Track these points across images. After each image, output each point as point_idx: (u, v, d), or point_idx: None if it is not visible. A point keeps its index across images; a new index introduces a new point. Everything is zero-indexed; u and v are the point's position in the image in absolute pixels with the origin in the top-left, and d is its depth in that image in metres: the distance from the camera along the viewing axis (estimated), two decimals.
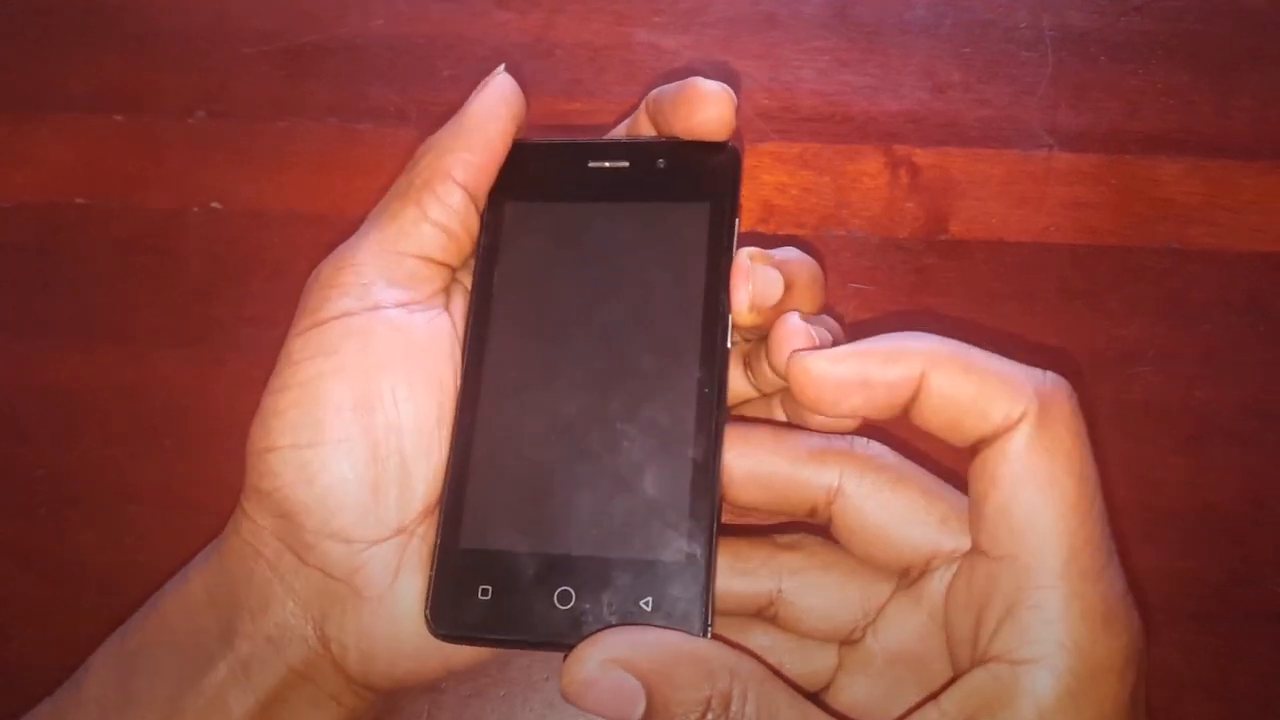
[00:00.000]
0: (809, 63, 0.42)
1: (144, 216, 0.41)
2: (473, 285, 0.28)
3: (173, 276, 0.40)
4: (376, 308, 0.26)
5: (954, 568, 0.24)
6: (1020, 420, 0.22)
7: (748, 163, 0.40)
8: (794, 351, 0.24)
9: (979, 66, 0.42)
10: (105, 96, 0.43)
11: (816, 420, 0.26)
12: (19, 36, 0.44)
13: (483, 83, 0.28)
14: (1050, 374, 0.23)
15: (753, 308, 0.25)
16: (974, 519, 0.23)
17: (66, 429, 0.38)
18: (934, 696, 0.23)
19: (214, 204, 0.41)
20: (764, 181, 0.40)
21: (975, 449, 0.24)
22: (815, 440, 0.25)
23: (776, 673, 0.23)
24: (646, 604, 0.24)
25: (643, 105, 0.29)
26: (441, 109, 0.29)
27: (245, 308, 0.39)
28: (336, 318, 0.26)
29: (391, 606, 0.25)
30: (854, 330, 0.38)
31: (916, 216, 0.40)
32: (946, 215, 0.39)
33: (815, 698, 0.25)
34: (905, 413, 0.24)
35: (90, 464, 0.38)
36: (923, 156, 0.40)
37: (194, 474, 0.37)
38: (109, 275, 0.40)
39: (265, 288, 0.39)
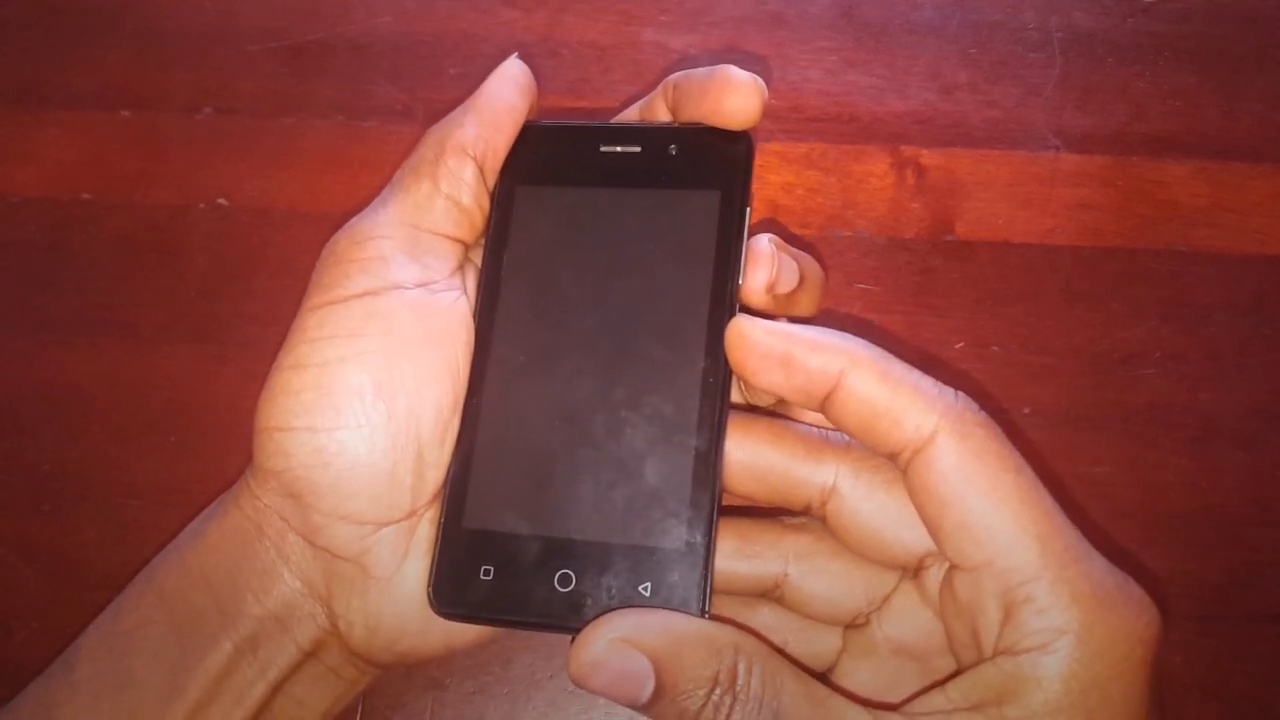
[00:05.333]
0: (815, 63, 0.42)
1: (149, 213, 0.41)
2: (481, 267, 0.28)
3: (177, 273, 0.40)
4: (397, 287, 0.26)
5: (946, 565, 0.24)
6: (934, 435, 0.23)
7: (755, 162, 0.40)
8: (740, 314, 0.25)
9: (986, 67, 0.42)
10: (111, 93, 0.43)
11: (811, 416, 0.26)
12: (25, 33, 0.44)
13: (496, 69, 0.28)
14: (961, 393, 0.24)
15: (771, 289, 0.26)
16: (937, 540, 0.24)
17: (70, 425, 0.38)
18: (940, 684, 0.23)
19: (219, 201, 0.41)
20: (770, 181, 0.40)
21: (895, 461, 0.24)
22: (813, 436, 0.26)
23: (780, 651, 0.24)
24: (645, 589, 0.24)
25: (659, 89, 0.29)
26: (447, 106, 0.29)
27: (249, 305, 0.39)
28: (357, 296, 0.26)
29: (399, 585, 0.26)
30: (858, 331, 0.39)
31: (922, 217, 0.40)
32: (952, 216, 0.39)
33: (821, 677, 0.25)
34: (824, 408, 0.25)
35: (94, 460, 0.38)
36: (929, 157, 0.40)
37: (197, 470, 0.37)
38: (114, 272, 0.40)
39: (270, 285, 0.39)
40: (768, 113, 0.41)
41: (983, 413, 0.24)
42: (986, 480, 0.23)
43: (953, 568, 0.24)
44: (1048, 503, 0.23)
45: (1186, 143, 0.40)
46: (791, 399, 0.25)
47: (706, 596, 0.24)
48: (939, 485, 0.23)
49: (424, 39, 0.43)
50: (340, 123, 0.42)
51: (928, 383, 0.24)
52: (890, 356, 0.24)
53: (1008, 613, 0.22)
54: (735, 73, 0.27)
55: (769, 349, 0.24)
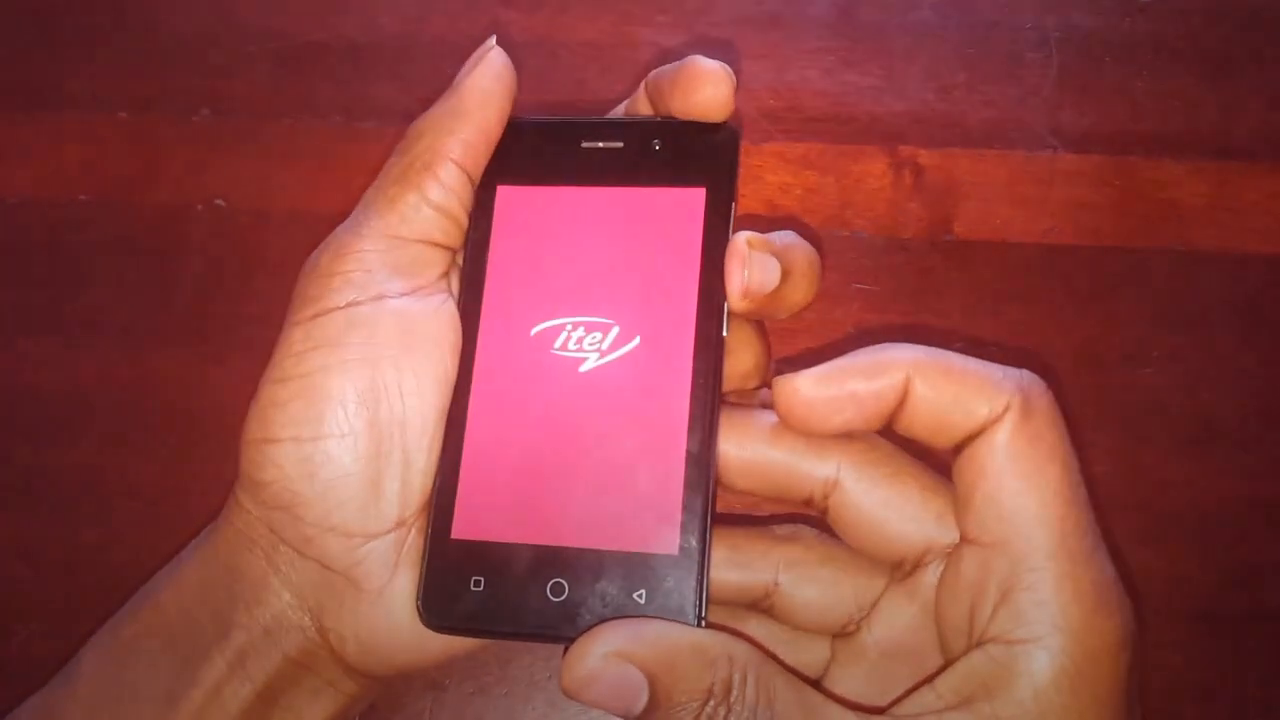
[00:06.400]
0: (814, 63, 0.42)
1: (147, 215, 0.41)
2: (462, 268, 0.27)
3: (175, 275, 0.40)
4: (381, 298, 0.26)
5: (944, 563, 0.24)
6: (1004, 413, 0.23)
7: (753, 163, 0.40)
8: (778, 375, 0.25)
9: (983, 67, 0.42)
10: (109, 94, 0.43)
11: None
12: (24, 34, 0.44)
13: (474, 56, 0.28)
14: (1026, 372, 0.24)
15: (746, 294, 0.25)
16: (962, 510, 0.24)
17: (68, 427, 0.38)
18: (929, 680, 0.23)
19: (217, 202, 0.41)
20: (768, 182, 0.40)
21: (959, 447, 0.24)
22: None
23: (772, 656, 0.24)
24: (640, 596, 0.24)
25: (642, 86, 0.29)
26: None
27: (247, 306, 0.39)
28: (341, 308, 0.25)
29: (391, 599, 0.25)
30: (860, 335, 0.39)
31: (920, 217, 0.39)
32: (950, 216, 0.39)
33: (813, 685, 0.25)
34: (893, 423, 0.24)
35: (92, 461, 0.38)
36: (927, 157, 0.40)
37: (195, 472, 0.37)
38: (111, 273, 0.40)
39: (267, 286, 0.39)
40: (765, 113, 0.41)
41: (1049, 394, 0.24)
42: (1030, 464, 0.23)
43: (964, 544, 0.24)
44: (1081, 501, 0.23)
45: (1185, 142, 0.40)
46: (864, 428, 0.24)
47: (703, 603, 0.24)
48: (985, 457, 0.23)
49: (422, 40, 0.43)
50: (338, 124, 0.42)
51: (992, 367, 0.24)
52: (948, 352, 0.24)
53: (1004, 596, 0.22)
54: (702, 63, 0.26)
55: (831, 396, 0.24)
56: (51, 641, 0.35)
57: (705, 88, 0.26)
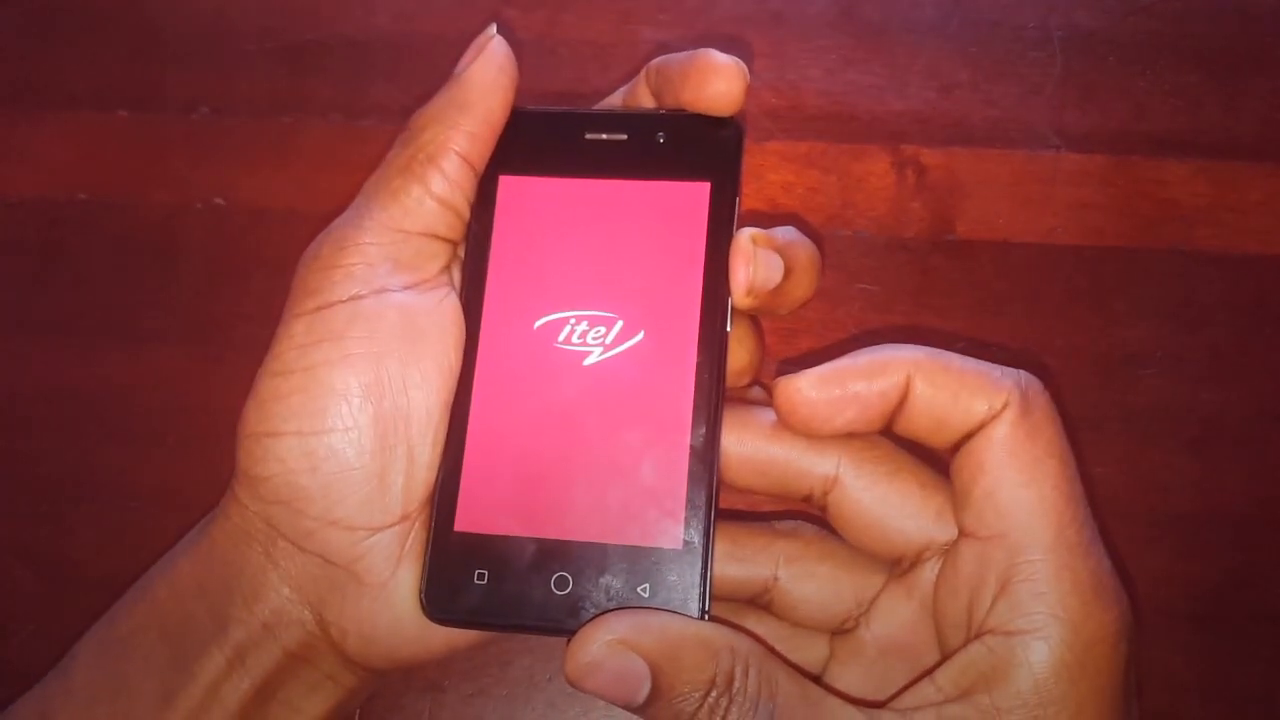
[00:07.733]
0: (815, 62, 0.42)
1: (146, 213, 0.41)
2: (464, 261, 0.27)
3: (174, 273, 0.40)
4: (383, 291, 0.25)
5: (942, 560, 0.25)
6: (1003, 410, 0.23)
7: (754, 161, 0.40)
8: (780, 376, 0.25)
9: (986, 66, 0.42)
10: (108, 93, 0.43)
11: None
12: (23, 32, 0.44)
13: (474, 45, 0.27)
14: (1024, 371, 0.24)
15: (751, 291, 0.25)
16: (960, 505, 0.24)
17: (67, 427, 0.38)
18: (929, 673, 0.23)
19: (216, 201, 0.41)
20: (770, 181, 0.40)
21: (958, 445, 0.24)
22: None
23: (773, 650, 0.24)
24: (644, 590, 0.24)
25: (642, 74, 0.28)
26: None
27: (246, 305, 0.39)
28: (343, 301, 0.25)
29: (394, 592, 0.25)
30: (863, 337, 0.38)
31: (922, 217, 0.39)
32: (952, 215, 0.39)
33: (814, 680, 0.26)
34: (893, 423, 0.25)
35: (91, 461, 0.38)
36: (929, 156, 0.40)
37: (194, 471, 0.37)
38: (110, 272, 0.40)
39: (267, 285, 0.39)
40: (767, 112, 0.41)
41: (1046, 393, 0.24)
42: (1029, 458, 0.23)
43: (963, 538, 0.24)
44: (1078, 495, 0.23)
45: (1188, 142, 0.40)
46: (865, 429, 0.25)
47: (706, 597, 0.24)
48: (984, 452, 0.23)
49: (421, 38, 0.43)
50: (337, 122, 0.42)
51: (990, 366, 0.24)
52: (946, 352, 0.24)
53: (1003, 587, 0.23)
54: (716, 56, 0.26)
55: (833, 397, 0.24)
56: (49, 643, 0.35)
57: (718, 82, 0.26)
